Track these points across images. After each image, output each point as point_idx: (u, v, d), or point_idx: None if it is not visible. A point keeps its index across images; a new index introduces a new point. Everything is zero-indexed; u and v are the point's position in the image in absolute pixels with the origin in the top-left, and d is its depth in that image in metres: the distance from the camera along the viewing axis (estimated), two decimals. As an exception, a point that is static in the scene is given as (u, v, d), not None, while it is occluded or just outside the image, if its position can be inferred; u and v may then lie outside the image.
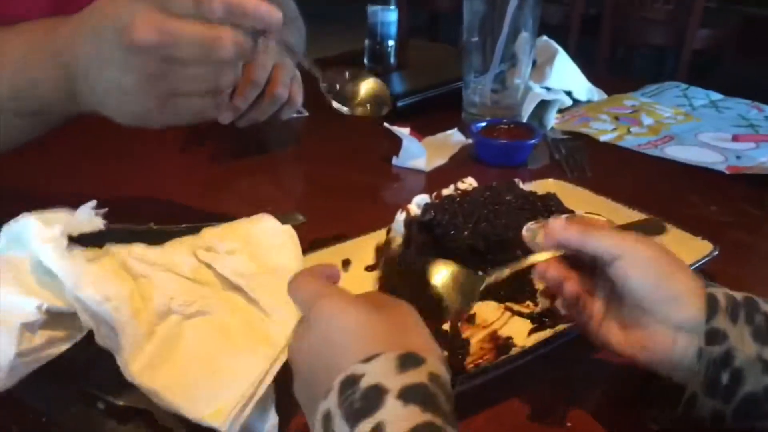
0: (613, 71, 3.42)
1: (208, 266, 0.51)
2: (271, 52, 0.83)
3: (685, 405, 0.43)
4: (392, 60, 1.28)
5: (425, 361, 0.36)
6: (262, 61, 0.81)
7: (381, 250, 0.64)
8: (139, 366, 0.43)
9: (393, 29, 1.27)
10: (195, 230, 0.56)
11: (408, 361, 0.35)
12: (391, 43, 1.27)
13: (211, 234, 0.54)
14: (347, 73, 0.69)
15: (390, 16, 1.26)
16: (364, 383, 0.34)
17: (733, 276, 0.67)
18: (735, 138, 0.98)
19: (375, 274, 0.63)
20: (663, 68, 3.93)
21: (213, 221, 0.66)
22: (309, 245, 0.62)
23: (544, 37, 1.19)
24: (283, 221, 0.60)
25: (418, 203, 0.63)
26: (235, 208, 0.79)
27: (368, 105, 0.69)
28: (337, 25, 3.45)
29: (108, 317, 0.43)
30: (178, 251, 0.51)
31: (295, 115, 1.06)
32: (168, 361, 0.44)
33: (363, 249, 0.65)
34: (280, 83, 0.84)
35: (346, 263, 0.63)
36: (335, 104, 0.67)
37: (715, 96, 1.15)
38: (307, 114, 1.07)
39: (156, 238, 0.54)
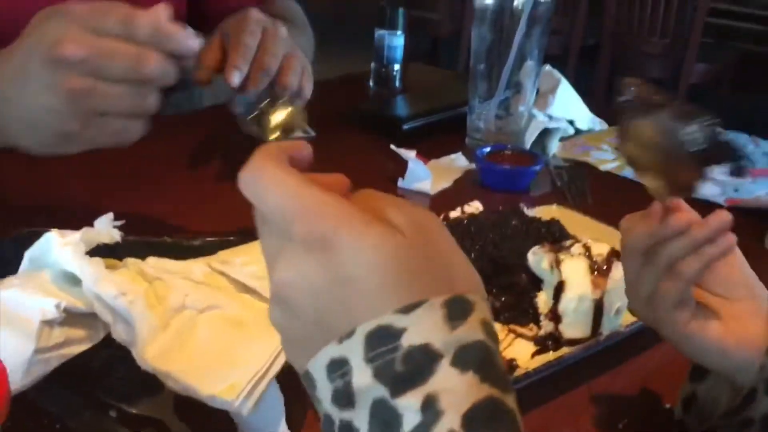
0: (611, 101, 3.46)
1: (222, 274, 0.52)
2: (282, 42, 0.80)
3: (742, 401, 0.43)
4: (398, 83, 1.30)
5: (474, 306, 0.30)
6: (273, 50, 0.79)
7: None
8: (153, 353, 0.44)
9: (399, 53, 1.29)
10: (209, 245, 0.57)
11: (456, 308, 0.29)
12: (396, 67, 1.29)
13: (226, 254, 0.55)
14: (267, 98, 0.70)
15: (397, 40, 1.28)
16: (407, 341, 0.28)
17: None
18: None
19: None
20: (659, 101, 3.98)
21: (222, 236, 0.67)
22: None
23: (548, 66, 1.22)
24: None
25: (426, 225, 0.65)
26: (243, 223, 0.81)
27: (281, 132, 0.71)
28: (343, 46, 3.48)
29: (123, 311, 0.44)
30: (194, 262, 0.52)
31: (301, 135, 1.08)
32: (182, 348, 0.45)
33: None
34: (291, 72, 0.82)
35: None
36: (245, 127, 0.69)
37: (714, 130, 1.18)
38: (314, 134, 1.08)
39: (171, 251, 0.55)
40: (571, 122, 1.13)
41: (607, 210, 0.86)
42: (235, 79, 0.73)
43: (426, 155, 0.96)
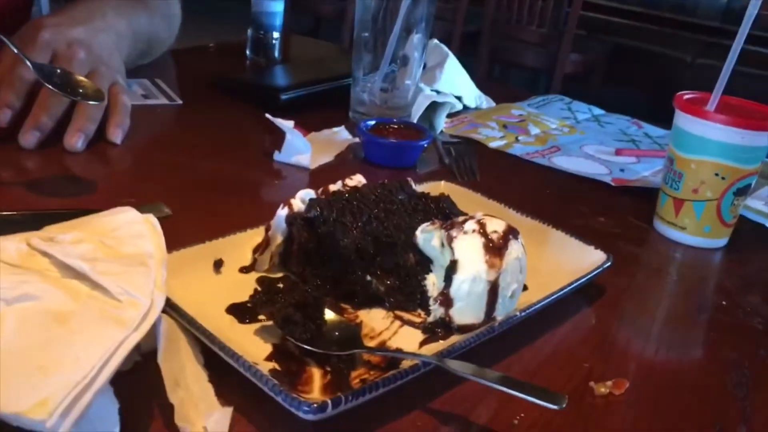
0: (491, 87, 3.51)
1: (45, 254, 0.41)
2: (76, 68, 0.77)
3: None
4: (276, 53, 1.21)
5: None
6: (50, 103, 0.75)
7: (257, 249, 0.57)
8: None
9: (278, 20, 1.20)
10: (34, 220, 0.47)
11: None
12: (276, 34, 1.20)
13: (53, 229, 0.44)
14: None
15: (276, 6, 1.18)
16: None
17: (622, 286, 0.65)
18: (618, 152, 0.99)
19: (251, 276, 0.56)
20: (536, 89, 4.10)
21: (59, 210, 0.56)
22: (176, 242, 0.54)
23: (435, 41, 1.17)
24: (146, 211, 0.52)
25: (302, 198, 0.57)
26: (87, 197, 0.70)
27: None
28: (222, 13, 3.30)
29: None
30: (7, 239, 0.42)
31: (166, 102, 0.96)
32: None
33: (238, 248, 0.57)
34: (76, 132, 0.76)
35: (218, 263, 0.55)
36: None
37: (597, 111, 1.17)
38: (180, 102, 0.97)
39: (-18, 226, 0.44)
40: (458, 98, 1.09)
41: (496, 188, 0.82)
42: (5, 118, 0.74)
43: (306, 128, 0.88)
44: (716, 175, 0.71)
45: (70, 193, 0.70)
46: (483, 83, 1.18)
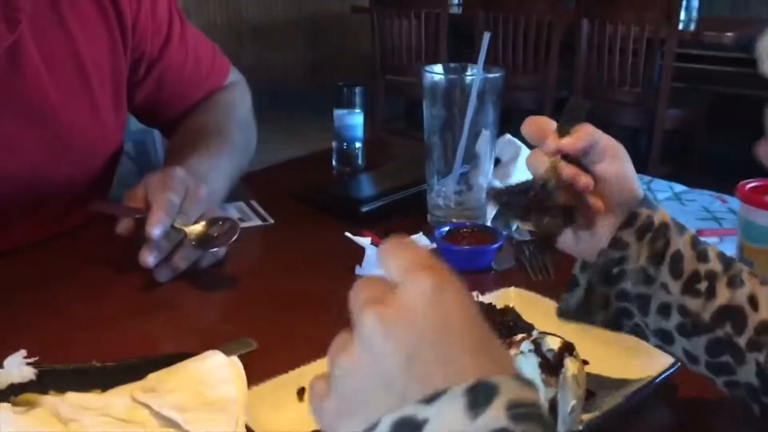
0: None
1: (146, 407, 0.49)
2: (199, 204, 0.89)
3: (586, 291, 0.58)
4: (360, 161, 1.29)
5: (499, 389, 0.30)
6: (189, 213, 0.87)
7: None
8: None
9: (359, 132, 1.29)
10: (139, 367, 0.55)
11: (478, 395, 0.30)
12: (358, 145, 1.29)
13: (154, 378, 0.52)
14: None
15: (356, 119, 1.28)
16: None
17: (698, 383, 0.65)
18: (699, 233, 0.98)
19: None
20: (637, 149, 4.02)
21: (159, 351, 0.65)
22: (262, 373, 0.60)
23: (508, 136, 1.21)
24: (234, 349, 0.59)
25: (371, 325, 0.62)
26: (183, 333, 0.78)
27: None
28: (311, 124, 3.51)
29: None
30: (115, 394, 0.49)
31: (259, 223, 1.06)
32: None
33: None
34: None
35: (301, 392, 0.61)
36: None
37: (679, 188, 1.17)
38: (272, 221, 1.06)
39: (98, 377, 0.53)
40: (533, 191, 1.12)
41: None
42: (158, 231, 0.82)
43: (386, 238, 0.94)
44: (788, 263, 0.70)
45: (172, 326, 0.79)
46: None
